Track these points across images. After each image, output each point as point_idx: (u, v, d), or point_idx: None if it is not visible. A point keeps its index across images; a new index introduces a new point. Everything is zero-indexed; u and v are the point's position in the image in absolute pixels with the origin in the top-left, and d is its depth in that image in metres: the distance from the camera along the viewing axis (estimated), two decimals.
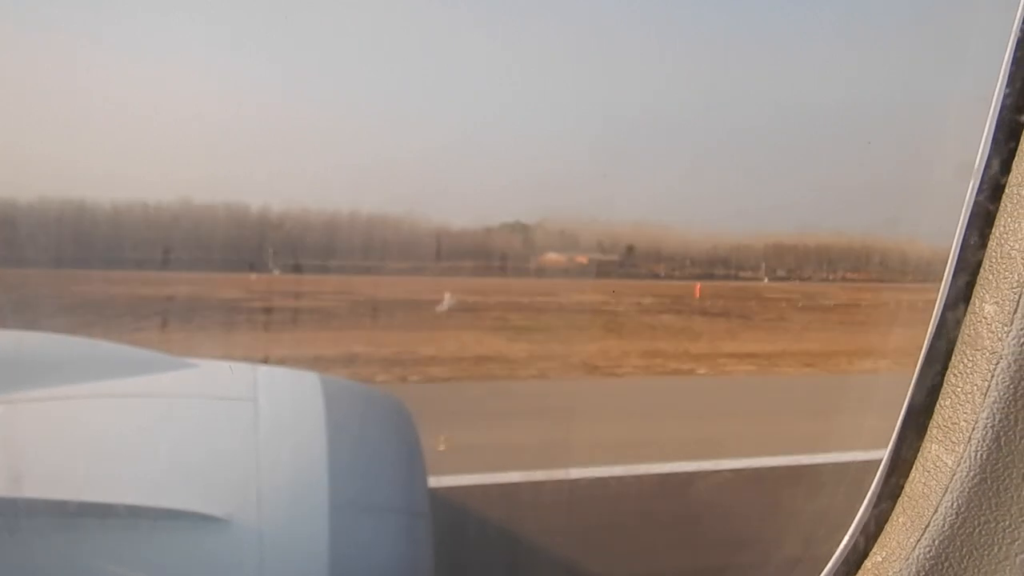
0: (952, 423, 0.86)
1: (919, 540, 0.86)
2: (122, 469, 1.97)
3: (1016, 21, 0.82)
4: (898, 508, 0.92)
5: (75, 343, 2.54)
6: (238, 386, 2.27)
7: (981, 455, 0.83)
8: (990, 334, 0.83)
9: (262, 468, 1.98)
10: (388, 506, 2.12)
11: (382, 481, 2.18)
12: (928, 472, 0.88)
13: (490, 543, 3.56)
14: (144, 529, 1.85)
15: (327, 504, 1.92)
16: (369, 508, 2.07)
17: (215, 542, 1.84)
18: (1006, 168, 0.84)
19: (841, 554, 0.95)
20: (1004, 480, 0.82)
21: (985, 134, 0.85)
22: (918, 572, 0.86)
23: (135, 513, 1.83)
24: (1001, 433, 0.82)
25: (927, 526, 0.86)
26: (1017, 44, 0.82)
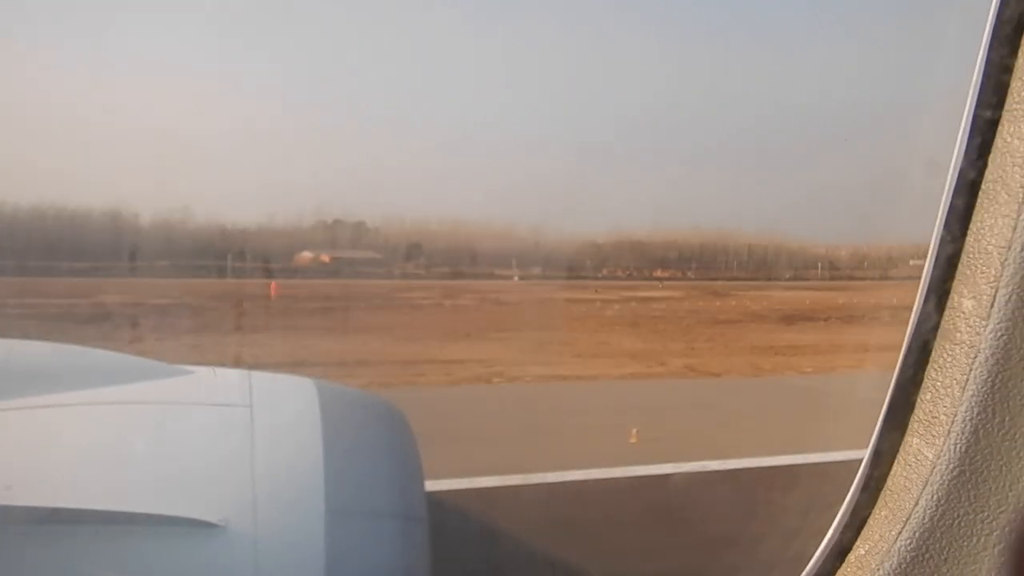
0: (932, 417, 0.87)
1: (900, 532, 0.87)
2: (119, 476, 1.97)
3: (989, 21, 0.83)
4: (880, 501, 0.93)
5: (71, 351, 2.54)
6: (234, 392, 2.27)
7: (960, 448, 0.84)
8: (968, 328, 0.84)
9: (258, 474, 1.98)
10: (384, 511, 2.12)
11: (378, 486, 2.18)
12: (909, 465, 0.89)
13: None
14: (141, 535, 1.85)
15: (323, 509, 1.92)
16: (365, 513, 2.07)
17: (212, 548, 1.83)
18: (981, 166, 0.85)
19: (826, 547, 0.96)
20: (983, 472, 0.83)
21: (960, 133, 0.86)
22: (900, 563, 0.87)
23: (132, 520, 1.83)
24: (980, 426, 0.83)
25: (908, 518, 0.87)
26: (990, 44, 0.84)
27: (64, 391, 2.17)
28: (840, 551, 0.95)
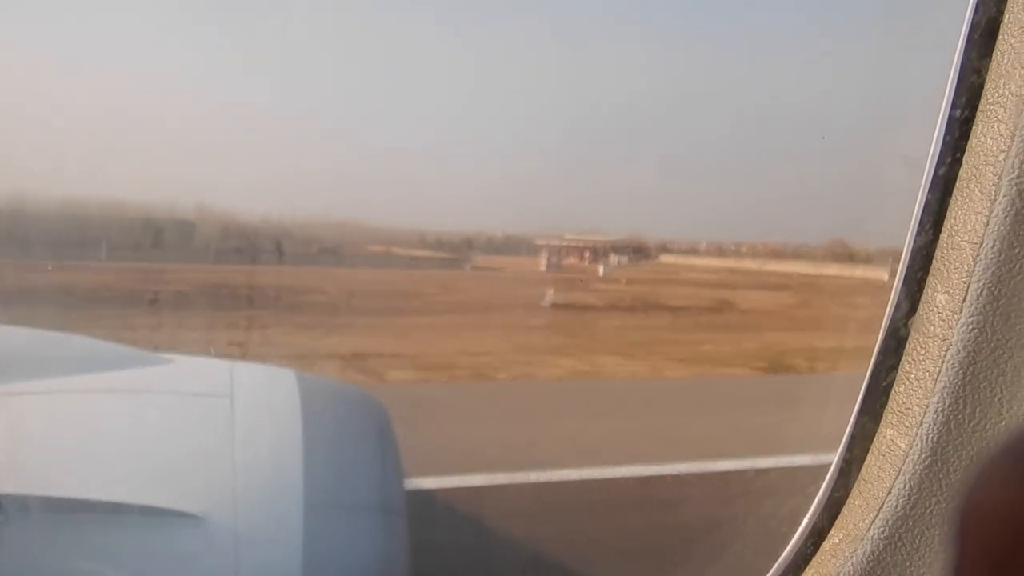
0: (905, 408, 0.89)
1: (873, 521, 0.89)
2: (97, 465, 1.96)
3: (965, 21, 0.86)
4: (854, 491, 0.95)
5: (48, 338, 2.52)
6: (214, 382, 2.26)
7: (932, 438, 0.86)
8: (941, 322, 0.86)
9: (238, 465, 1.98)
10: (364, 504, 2.12)
11: (358, 479, 2.18)
12: (883, 455, 0.91)
13: None
14: (119, 526, 1.84)
15: (302, 502, 1.92)
16: (345, 506, 2.07)
17: (190, 539, 1.83)
18: (956, 164, 0.87)
19: (801, 535, 0.98)
20: (954, 462, 0.86)
21: (936, 132, 0.89)
22: (873, 551, 0.89)
23: (110, 510, 1.82)
24: (951, 417, 0.85)
25: (881, 507, 0.89)
26: (965, 44, 0.86)
27: (41, 378, 2.16)
28: (815, 538, 0.97)
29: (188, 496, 1.87)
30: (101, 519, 1.83)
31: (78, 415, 2.11)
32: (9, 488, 1.78)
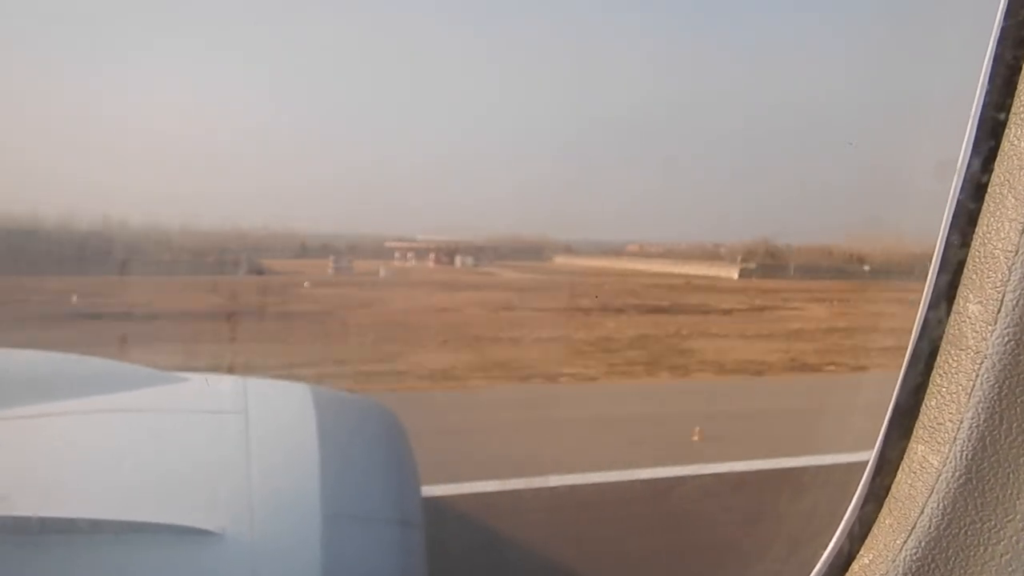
0: (938, 423, 0.86)
1: (905, 542, 0.86)
2: (114, 484, 1.96)
3: (996, 18, 0.82)
4: (884, 510, 0.92)
5: (65, 359, 2.53)
6: (229, 399, 2.26)
7: (967, 455, 0.83)
8: (974, 334, 0.83)
9: (254, 480, 1.97)
10: (380, 516, 2.11)
11: (374, 491, 2.17)
12: (914, 473, 0.88)
13: None
14: (137, 544, 1.84)
15: (319, 515, 1.92)
16: (361, 519, 2.06)
17: (208, 556, 1.83)
18: (988, 167, 0.84)
19: (828, 557, 0.95)
20: (989, 480, 0.83)
21: (967, 133, 0.85)
22: (904, 573, 0.86)
23: (127, 528, 1.82)
24: (986, 433, 0.82)
25: (913, 527, 0.86)
26: (998, 41, 0.83)
27: (58, 399, 2.16)
28: (844, 560, 0.94)
29: (205, 513, 1.87)
30: (119, 538, 1.83)
31: (94, 435, 2.12)
32: (27, 510, 1.78)
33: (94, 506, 1.86)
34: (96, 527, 1.81)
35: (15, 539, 1.75)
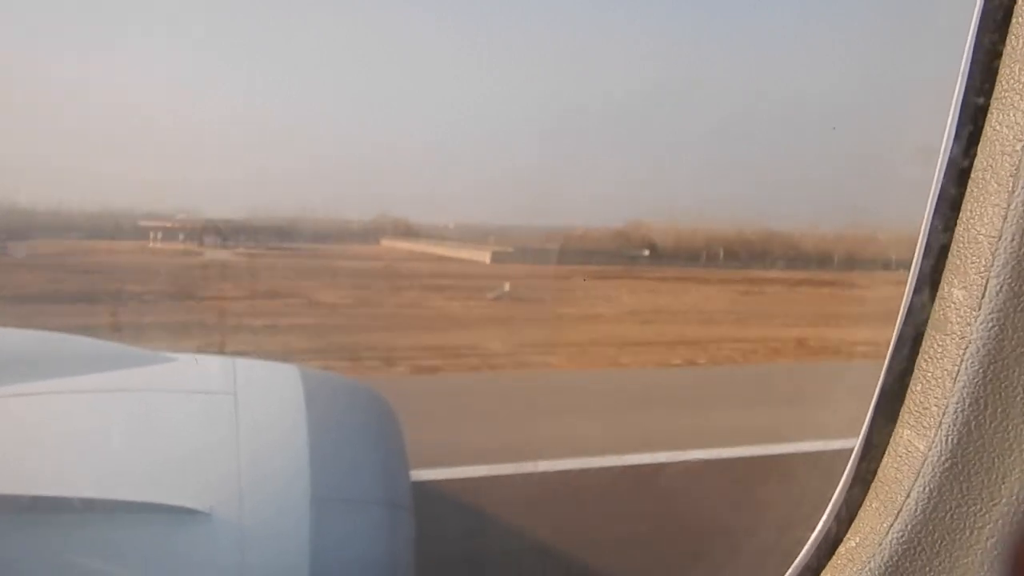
0: (923, 408, 0.86)
1: (891, 525, 0.87)
2: (102, 464, 1.96)
3: (976, 2, 0.82)
4: (871, 493, 0.92)
5: (53, 339, 2.52)
6: (218, 380, 2.26)
7: (952, 440, 0.83)
8: (959, 319, 0.83)
9: (243, 461, 1.98)
10: (369, 499, 2.12)
11: (363, 474, 2.18)
12: (900, 457, 0.89)
13: None
14: (125, 523, 1.84)
15: (308, 497, 1.92)
16: (350, 501, 2.07)
17: (197, 535, 1.83)
18: (970, 152, 0.84)
19: (815, 540, 0.96)
20: (974, 464, 0.83)
21: (949, 119, 0.85)
22: (891, 556, 0.87)
23: (116, 507, 1.83)
24: (971, 417, 0.82)
25: (899, 511, 0.86)
26: (979, 26, 0.83)
27: (45, 379, 2.16)
28: (831, 543, 0.95)
29: (194, 492, 1.87)
30: (107, 517, 1.84)
31: (82, 415, 2.12)
32: (15, 488, 1.78)
33: (82, 485, 1.87)
34: (84, 506, 1.81)
35: (3, 518, 1.76)
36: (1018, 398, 0.81)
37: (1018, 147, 0.79)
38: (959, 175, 0.85)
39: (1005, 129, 0.80)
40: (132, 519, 1.84)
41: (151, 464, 1.98)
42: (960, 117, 0.84)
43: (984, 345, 0.81)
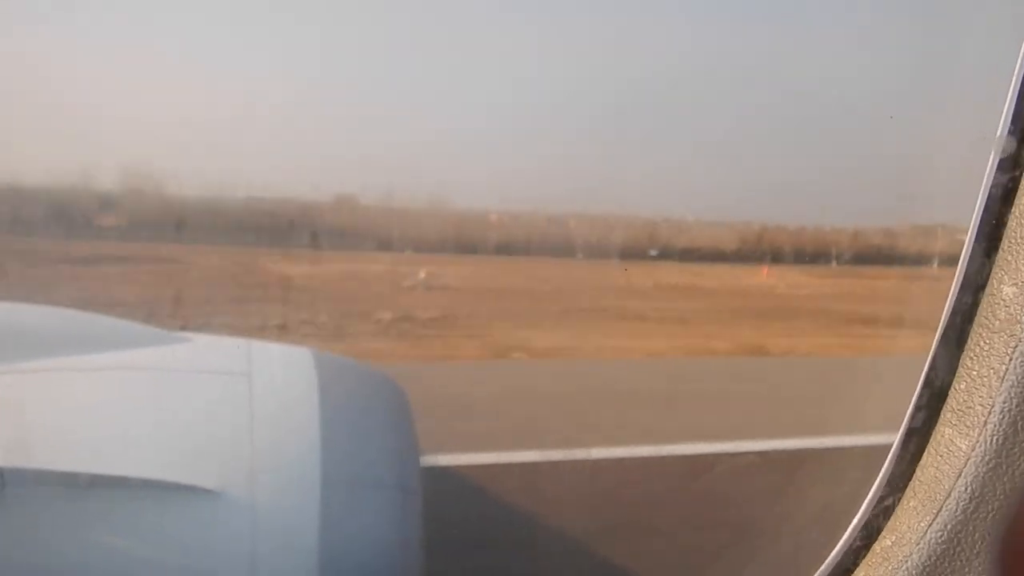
0: (967, 407, 0.85)
1: (931, 525, 0.85)
2: (115, 441, 1.96)
3: None
4: (909, 492, 0.91)
5: (69, 316, 2.53)
6: (232, 361, 2.26)
7: (997, 440, 0.81)
8: (1008, 316, 0.81)
9: (255, 442, 1.98)
10: (379, 482, 2.12)
11: (374, 457, 2.18)
12: (941, 456, 0.87)
13: None
14: (136, 500, 1.85)
15: (319, 478, 1.93)
16: (360, 483, 2.07)
17: (207, 514, 1.84)
18: None
19: (849, 537, 0.94)
20: (1020, 466, 0.81)
21: (1005, 111, 0.83)
22: (929, 556, 0.85)
23: (127, 484, 1.83)
24: (1018, 418, 0.81)
25: (939, 511, 0.85)
26: None
27: (62, 355, 2.16)
28: (865, 541, 0.93)
29: (205, 472, 1.88)
30: (119, 493, 1.84)
31: (96, 392, 2.12)
32: (28, 463, 1.79)
33: (94, 461, 1.87)
34: (96, 481, 1.81)
35: (15, 492, 1.76)
36: None
37: None
38: (1012, 167, 0.83)
39: None
40: (142, 495, 1.85)
41: (163, 442, 1.98)
42: (1016, 107, 0.82)
43: None
